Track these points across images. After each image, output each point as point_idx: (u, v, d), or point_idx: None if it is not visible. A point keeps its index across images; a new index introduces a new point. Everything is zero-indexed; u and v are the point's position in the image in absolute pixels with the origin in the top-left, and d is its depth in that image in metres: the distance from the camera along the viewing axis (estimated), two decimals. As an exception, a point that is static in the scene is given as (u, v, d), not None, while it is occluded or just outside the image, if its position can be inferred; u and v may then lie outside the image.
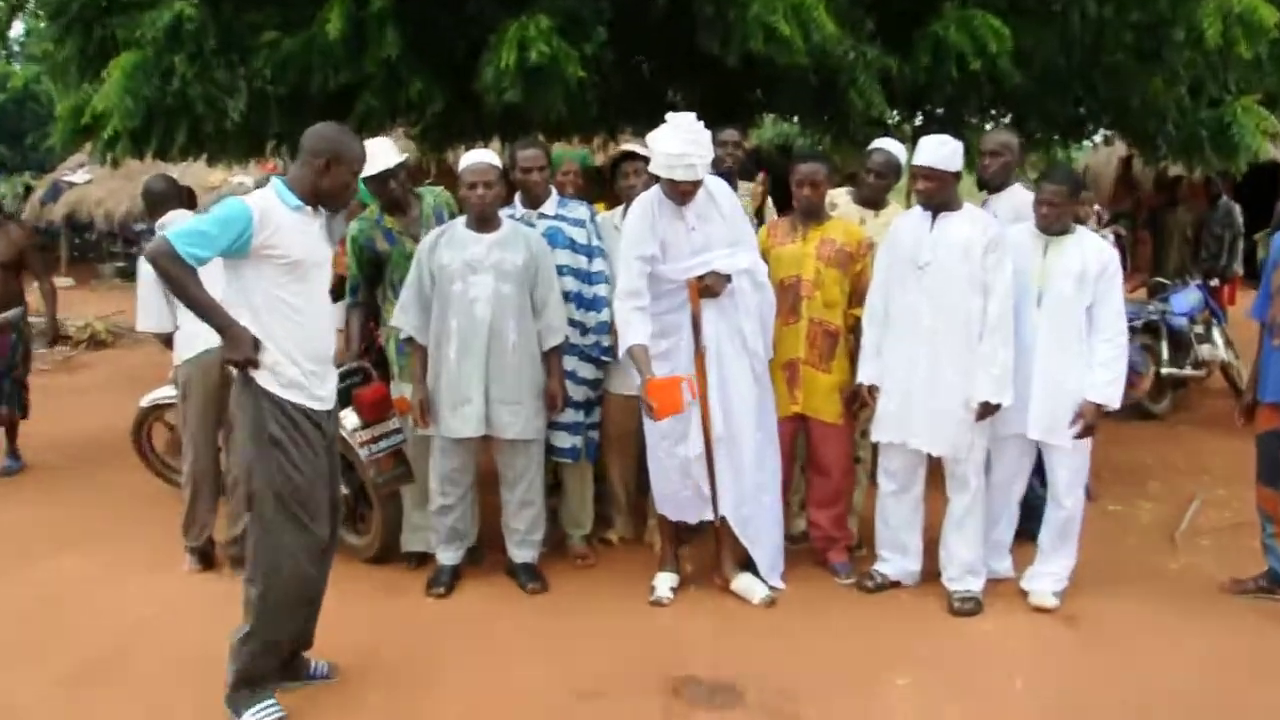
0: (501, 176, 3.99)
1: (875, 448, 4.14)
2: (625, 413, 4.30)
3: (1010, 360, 3.70)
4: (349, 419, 4.10)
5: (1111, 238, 8.17)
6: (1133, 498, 5.32)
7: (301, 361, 3.00)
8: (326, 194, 3.05)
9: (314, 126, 3.07)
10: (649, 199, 3.80)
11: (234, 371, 3.02)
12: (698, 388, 3.65)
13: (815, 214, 4.13)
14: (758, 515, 3.98)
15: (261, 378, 2.97)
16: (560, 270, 4.15)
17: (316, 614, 3.29)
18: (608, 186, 4.71)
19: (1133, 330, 6.73)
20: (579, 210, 4.29)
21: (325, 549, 3.20)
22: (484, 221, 3.94)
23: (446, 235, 3.99)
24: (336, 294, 4.77)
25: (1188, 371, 7.03)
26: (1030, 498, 4.06)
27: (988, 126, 5.85)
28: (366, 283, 4.30)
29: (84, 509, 5.24)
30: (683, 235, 3.78)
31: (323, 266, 3.08)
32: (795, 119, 6.99)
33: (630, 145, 4.57)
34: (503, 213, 4.11)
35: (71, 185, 17.18)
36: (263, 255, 2.91)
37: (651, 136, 3.71)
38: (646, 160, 4.31)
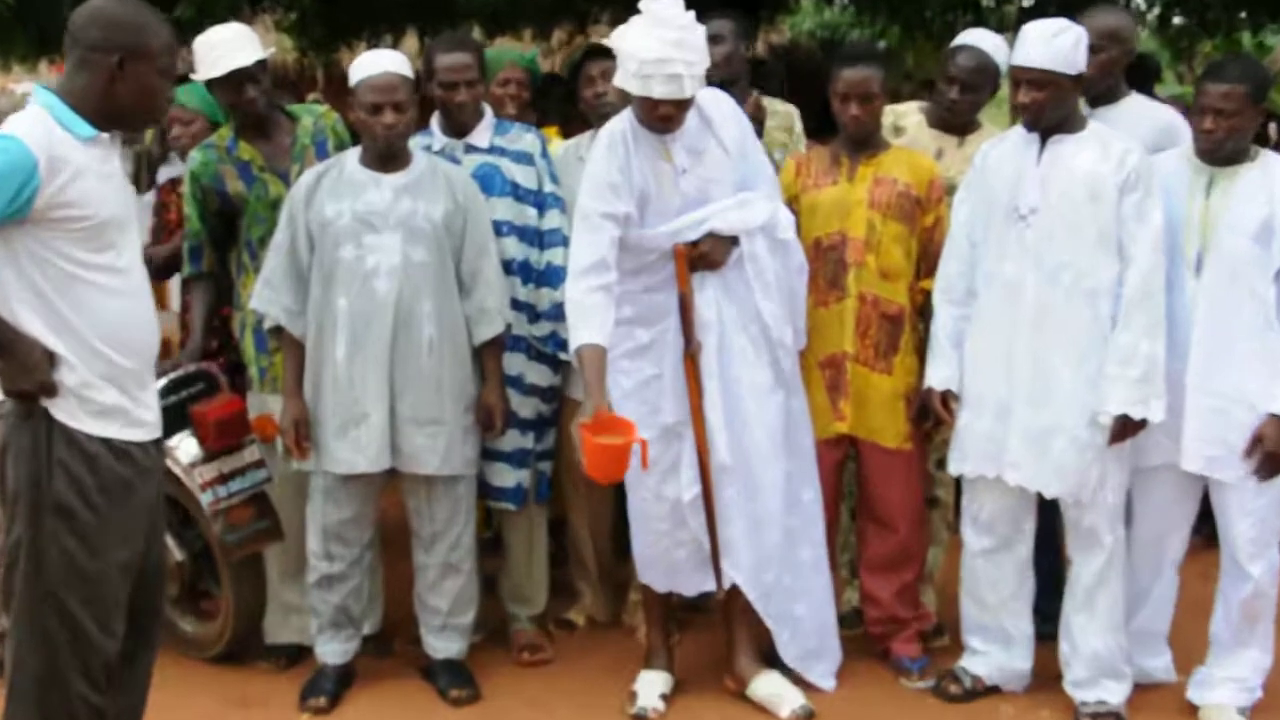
0: (414, 92, 3.93)
1: (959, 485, 4.05)
2: None
3: (1160, 355, 3.59)
4: (185, 448, 4.01)
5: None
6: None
7: (121, 366, 2.89)
8: (125, 109, 2.92)
9: (88, 3, 2.92)
10: (618, 130, 3.74)
11: (8, 404, 2.88)
12: (648, 453, 3.57)
13: (868, 141, 4.05)
14: (790, 581, 3.93)
15: (59, 408, 2.83)
16: (498, 228, 4.10)
17: None
18: (569, 103, 4.62)
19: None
20: (524, 139, 4.25)
21: (125, 661, 3.06)
22: (388, 158, 3.91)
23: (331, 176, 3.95)
24: (170, 267, 4.69)
25: None
26: (1047, 565, 4.02)
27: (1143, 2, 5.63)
28: (213, 243, 4.28)
29: None
30: (668, 181, 3.73)
31: (133, 222, 3.01)
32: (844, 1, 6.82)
33: (601, 39, 4.48)
34: (414, 143, 4.05)
35: None
36: (51, 218, 2.78)
37: (616, 34, 3.64)
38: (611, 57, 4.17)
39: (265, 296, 3.97)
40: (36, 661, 2.91)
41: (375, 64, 3.89)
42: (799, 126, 4.67)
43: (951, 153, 4.27)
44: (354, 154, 3.98)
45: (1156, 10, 7.40)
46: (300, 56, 7.88)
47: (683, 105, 3.63)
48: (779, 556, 3.89)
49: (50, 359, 2.82)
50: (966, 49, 4.24)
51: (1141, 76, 7.12)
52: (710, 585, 3.89)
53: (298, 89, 8.45)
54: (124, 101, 2.89)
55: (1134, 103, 4.14)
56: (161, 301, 5.81)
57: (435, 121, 4.25)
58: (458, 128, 4.20)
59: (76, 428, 2.84)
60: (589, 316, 3.61)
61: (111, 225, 2.88)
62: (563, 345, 4.16)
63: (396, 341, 3.86)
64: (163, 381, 4.08)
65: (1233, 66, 3.73)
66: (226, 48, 4.03)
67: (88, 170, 2.82)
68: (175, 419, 4.00)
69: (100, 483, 2.87)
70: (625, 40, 3.59)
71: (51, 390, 2.82)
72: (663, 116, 3.62)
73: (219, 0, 4.94)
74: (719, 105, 3.82)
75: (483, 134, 4.21)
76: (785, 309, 3.84)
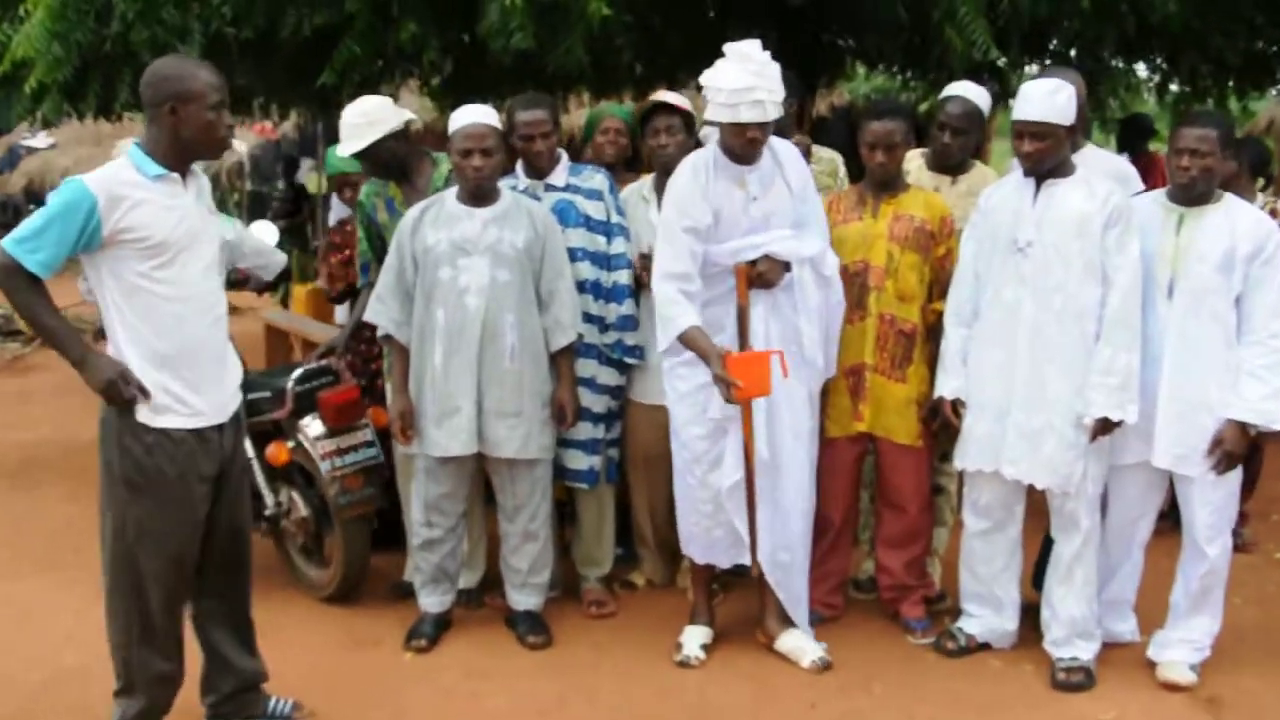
0: (502, 140, 4.03)
1: (961, 476, 4.07)
2: (653, 427, 4.29)
3: (1135, 366, 3.61)
4: (312, 426, 4.28)
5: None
6: (1302, 542, 5.17)
7: (177, 363, 3.06)
8: (193, 145, 3.07)
9: (147, 69, 3.08)
10: (702, 158, 3.77)
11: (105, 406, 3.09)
12: (787, 367, 3.66)
13: (890, 183, 4.07)
14: (796, 559, 3.97)
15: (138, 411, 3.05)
16: (573, 254, 4.17)
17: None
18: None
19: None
20: (595, 179, 4.31)
21: (218, 598, 3.35)
22: (479, 195, 3.99)
23: (433, 210, 4.03)
24: (344, 295, 5.00)
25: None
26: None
27: (1144, 71, 5.60)
28: (378, 261, 4.35)
29: (13, 534, 5.36)
30: (739, 207, 3.75)
31: (199, 245, 3.11)
32: (885, 67, 6.87)
33: (662, 94, 4.52)
34: (502, 183, 4.14)
35: (32, 150, 17.61)
36: (119, 240, 2.97)
37: (706, 75, 3.65)
38: (681, 113, 4.33)
39: (377, 309, 4.06)
40: (119, 599, 3.18)
41: (468, 116, 3.96)
42: (843, 171, 4.70)
43: (946, 190, 4.26)
44: (453, 192, 4.04)
45: (1156, 79, 7.43)
46: (439, 115, 8.09)
47: (765, 129, 3.64)
48: (796, 542, 3.92)
49: (124, 377, 2.99)
50: (955, 99, 4.20)
51: (1137, 134, 7.18)
52: (744, 559, 3.92)
53: (440, 140, 8.78)
54: (187, 138, 3.03)
55: (1090, 152, 4.10)
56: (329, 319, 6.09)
57: (520, 167, 4.33)
58: (537, 171, 4.25)
59: (140, 420, 3.05)
60: (683, 306, 3.65)
61: (171, 245, 3.01)
62: (629, 351, 4.27)
63: (484, 348, 3.92)
64: (298, 372, 4.44)
65: (1206, 115, 3.75)
66: (349, 130, 4.18)
67: (149, 201, 2.99)
68: (306, 403, 4.35)
69: (157, 464, 3.07)
70: (713, 77, 3.61)
71: (146, 394, 3.02)
72: (751, 140, 3.63)
73: (356, 65, 5.02)
74: (789, 152, 3.87)
75: (559, 175, 4.26)
76: (821, 336, 3.85)
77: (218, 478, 3.22)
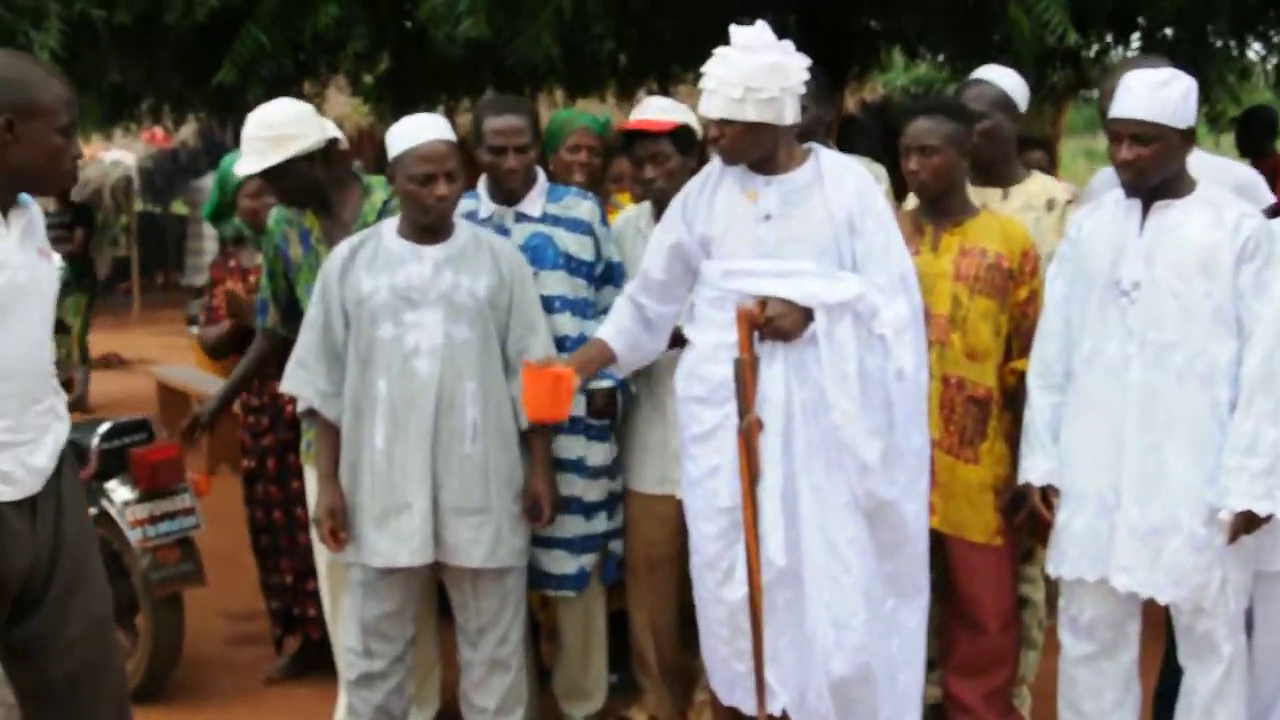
0: (464, 157, 3.68)
1: (1053, 584, 3.73)
2: (656, 523, 3.94)
3: None
4: (120, 489, 4.32)
5: None
6: None
7: None
8: (27, 174, 2.83)
9: None
10: (716, 167, 3.52)
11: None
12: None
13: (952, 206, 3.72)
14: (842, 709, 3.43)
15: None
16: (550, 304, 3.84)
17: None
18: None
19: None
20: (581, 207, 3.96)
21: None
22: (429, 229, 3.65)
23: (368, 249, 3.69)
24: (221, 347, 4.71)
25: None
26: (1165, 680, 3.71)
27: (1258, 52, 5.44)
28: (276, 302, 4.15)
29: None
30: (745, 221, 3.42)
31: (23, 303, 2.89)
32: (933, 55, 6.67)
33: (643, 110, 4.14)
34: (458, 210, 3.78)
35: None
36: None
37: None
38: (668, 137, 3.96)
39: (297, 378, 3.75)
40: None
41: (420, 133, 3.60)
42: (885, 187, 4.31)
43: (996, 206, 3.93)
44: (391, 224, 3.71)
45: (1274, 61, 7.17)
46: (376, 122, 7.81)
47: (728, 129, 3.32)
48: (837, 683, 3.41)
49: None
50: (974, 82, 4.07)
51: (1260, 131, 6.84)
52: (775, 706, 3.43)
53: (379, 149, 8.71)
54: (19, 165, 2.76)
55: (1197, 159, 3.73)
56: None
57: (483, 186, 3.94)
58: (507, 194, 3.90)
59: None
60: (613, 316, 3.61)
61: None
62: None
63: (439, 426, 3.61)
64: (104, 427, 4.43)
65: None
66: (250, 145, 3.85)
67: None
68: (114, 463, 4.36)
69: None
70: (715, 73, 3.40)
71: None
72: (711, 139, 3.41)
73: (263, 60, 4.80)
74: (844, 171, 3.46)
75: (534, 201, 3.92)
76: (871, 417, 3.37)
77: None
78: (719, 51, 3.32)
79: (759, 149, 3.35)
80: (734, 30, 3.32)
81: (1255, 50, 7.26)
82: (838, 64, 4.95)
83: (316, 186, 3.93)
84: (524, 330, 3.69)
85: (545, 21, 4.22)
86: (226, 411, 4.42)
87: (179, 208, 16.76)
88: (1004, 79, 4.04)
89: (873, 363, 3.37)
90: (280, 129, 3.82)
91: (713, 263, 3.43)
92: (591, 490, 3.92)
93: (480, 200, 3.93)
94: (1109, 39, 5.68)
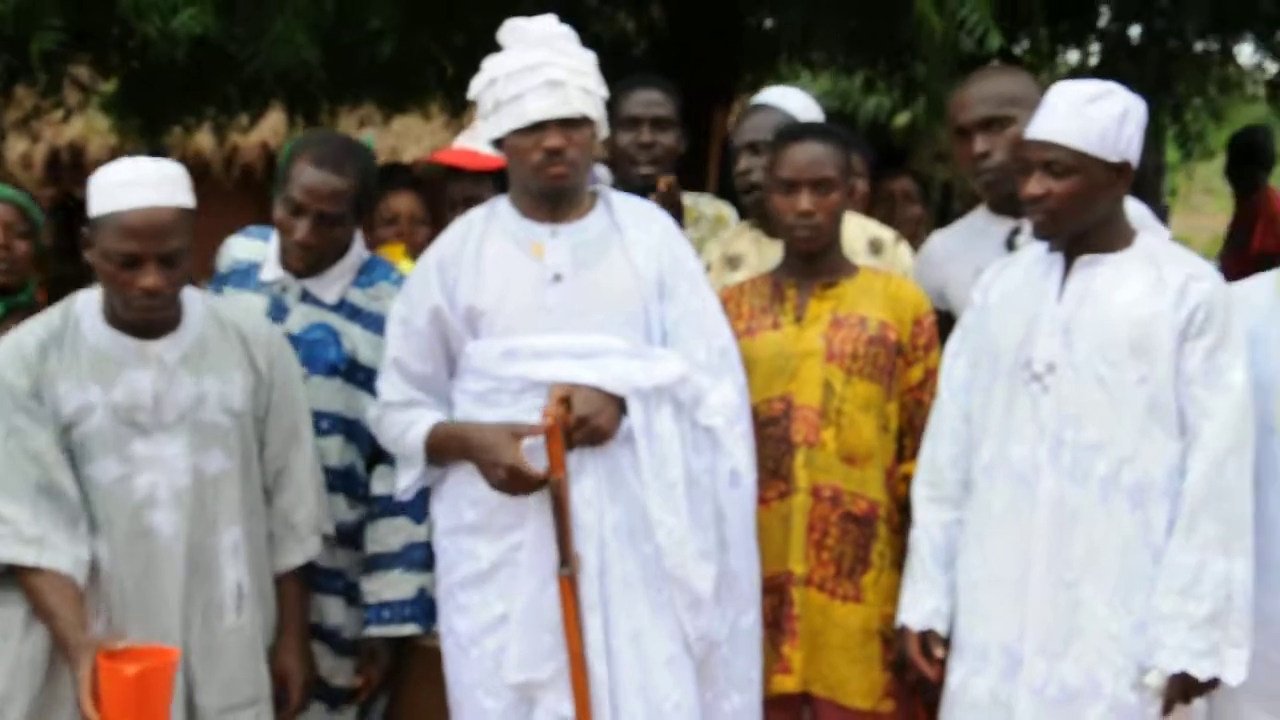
0: (191, 220, 3.25)
1: None
2: (440, 684, 3.53)
3: (1242, 578, 3.06)
4: None
5: None
6: None
7: None
8: None
9: None
10: (476, 213, 3.33)
11: None
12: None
13: (817, 259, 3.52)
14: None
15: None
16: (317, 423, 3.46)
17: None
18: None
19: None
20: (393, 298, 3.59)
21: None
22: (153, 325, 3.19)
23: (66, 349, 3.17)
24: None
25: None
26: None
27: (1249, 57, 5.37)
28: None
29: None
30: (529, 286, 3.19)
31: None
32: (831, 62, 6.70)
33: (470, 140, 3.97)
34: (236, 247, 3.62)
35: None
36: None
37: (473, 84, 3.24)
38: (491, 178, 3.80)
39: None
40: None
41: (131, 188, 3.09)
42: (745, 229, 4.14)
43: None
44: (94, 306, 3.18)
45: (1271, 71, 7.06)
46: (120, 142, 7.62)
47: (576, 136, 3.13)
48: None
49: None
50: (759, 109, 3.97)
51: (1249, 157, 6.92)
52: None
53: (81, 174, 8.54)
54: None
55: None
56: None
57: (273, 247, 3.56)
58: (299, 264, 3.53)
59: None
60: (411, 413, 3.23)
61: None
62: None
63: (190, 602, 3.18)
64: None
65: None
66: None
67: None
68: None
69: None
70: (477, 80, 3.19)
71: None
72: (552, 150, 3.09)
73: None
74: (643, 215, 3.35)
75: (333, 283, 3.53)
76: (700, 536, 3.18)
77: None
78: (528, 40, 3.16)
79: (585, 174, 3.24)
80: (514, 21, 3.18)
81: (1246, 55, 7.26)
82: (721, 73, 4.61)
83: None
84: (283, 439, 3.30)
85: (296, 13, 3.89)
86: None
87: None
88: (789, 101, 4.01)
89: (700, 464, 3.21)
90: None
91: (484, 343, 3.17)
92: (340, 672, 3.56)
93: (269, 253, 3.57)
94: (1058, 45, 5.40)
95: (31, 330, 3.20)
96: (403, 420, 3.27)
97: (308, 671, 3.40)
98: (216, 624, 3.23)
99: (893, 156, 6.02)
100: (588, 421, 3.09)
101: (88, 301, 3.21)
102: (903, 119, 7.11)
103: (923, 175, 4.72)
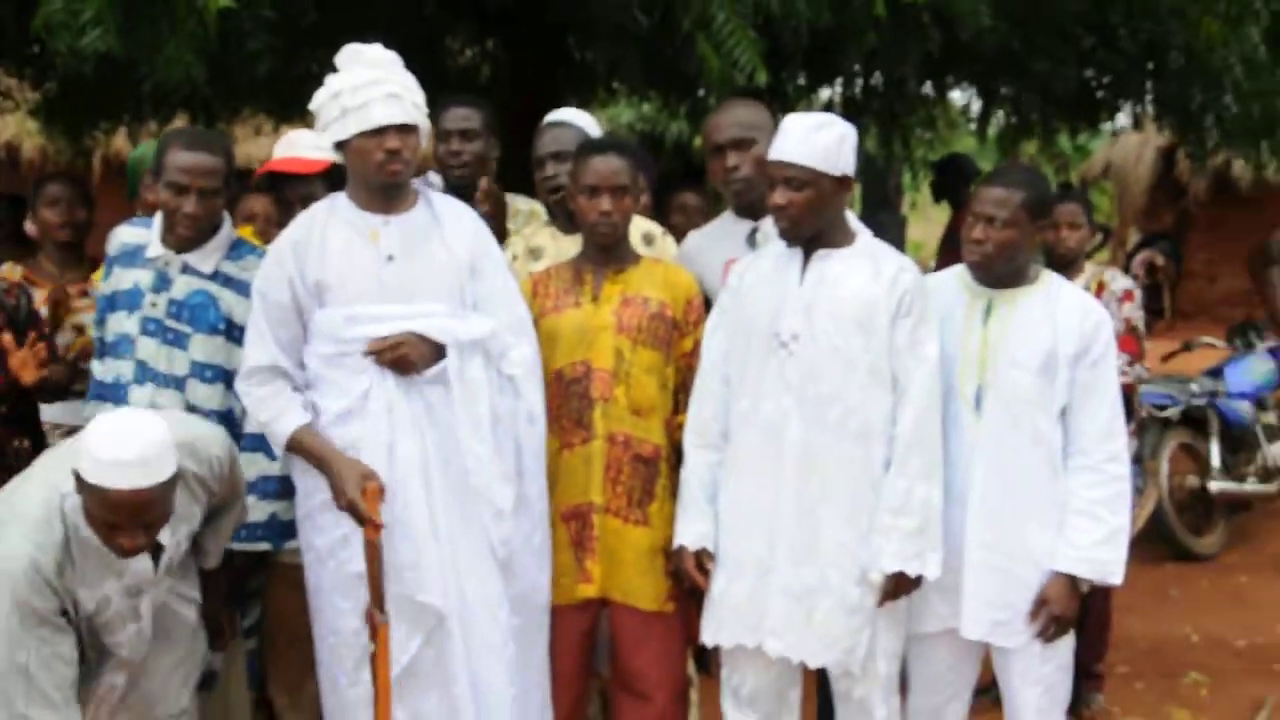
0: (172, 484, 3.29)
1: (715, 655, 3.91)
2: (299, 591, 3.85)
3: (937, 502, 3.55)
4: None
5: (1140, 272, 8.19)
6: (1160, 702, 5.19)
7: None
8: None
9: None
10: (320, 206, 3.70)
11: None
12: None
13: (614, 253, 3.92)
14: None
15: None
16: (201, 372, 3.91)
17: None
18: None
19: (1164, 421, 6.79)
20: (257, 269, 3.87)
21: None
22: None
23: (76, 555, 3.30)
24: None
25: (1250, 486, 7.12)
26: None
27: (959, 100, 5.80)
28: None
29: None
30: (368, 268, 3.60)
31: None
32: (636, 88, 6.86)
33: (290, 148, 4.34)
34: (125, 234, 3.99)
35: None
36: None
37: (315, 98, 3.59)
38: (320, 178, 4.14)
39: None
40: None
41: (122, 470, 3.08)
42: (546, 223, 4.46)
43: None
44: (72, 510, 3.23)
45: (978, 110, 7.70)
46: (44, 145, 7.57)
47: (409, 139, 3.54)
48: None
49: None
50: (558, 126, 4.25)
51: (956, 177, 7.36)
52: None
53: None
54: None
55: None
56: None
57: (159, 221, 3.91)
58: (179, 240, 3.88)
59: None
60: (280, 401, 3.57)
61: None
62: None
63: None
64: None
65: (1009, 173, 3.76)
66: None
67: None
68: None
69: None
70: (321, 91, 3.54)
71: None
72: (392, 150, 3.49)
73: None
74: (455, 209, 3.75)
75: (210, 255, 3.91)
76: (503, 460, 3.64)
77: None
78: (366, 61, 3.53)
79: (412, 172, 3.60)
80: (351, 47, 3.56)
81: (958, 96, 7.82)
82: (551, 98, 4.99)
83: None
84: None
85: (185, 38, 4.10)
86: None
87: None
88: (579, 119, 4.29)
89: (503, 405, 3.64)
90: None
91: (330, 311, 3.57)
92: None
93: (151, 236, 3.91)
94: (809, 82, 5.92)
95: (41, 548, 3.23)
96: (271, 407, 3.58)
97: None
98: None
99: (692, 173, 6.32)
100: (396, 349, 3.50)
101: (75, 510, 3.22)
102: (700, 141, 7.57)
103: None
